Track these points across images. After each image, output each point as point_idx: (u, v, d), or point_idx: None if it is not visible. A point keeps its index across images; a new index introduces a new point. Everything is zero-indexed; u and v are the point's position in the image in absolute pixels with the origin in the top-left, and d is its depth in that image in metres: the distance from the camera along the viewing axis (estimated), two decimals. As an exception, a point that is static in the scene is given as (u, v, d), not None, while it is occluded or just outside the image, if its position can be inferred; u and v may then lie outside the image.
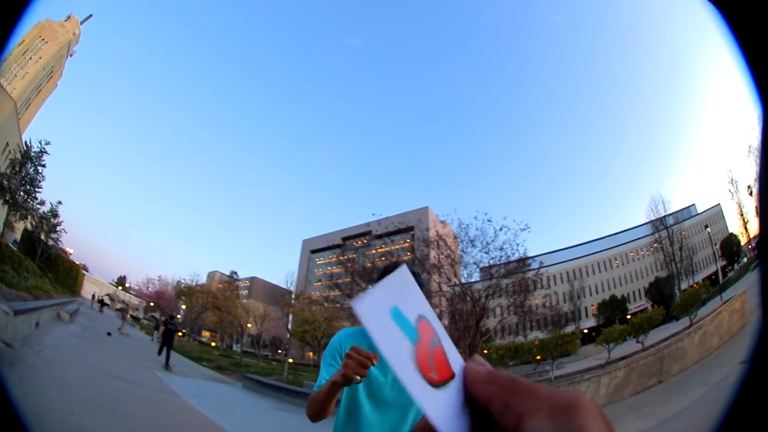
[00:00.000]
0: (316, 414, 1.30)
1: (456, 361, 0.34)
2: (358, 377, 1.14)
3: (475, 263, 16.78)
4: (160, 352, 12.21)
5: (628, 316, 28.77)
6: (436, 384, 0.31)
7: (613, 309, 39.27)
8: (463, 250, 17.26)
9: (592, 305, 44.02)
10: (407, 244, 41.18)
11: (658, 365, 8.74)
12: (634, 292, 45.73)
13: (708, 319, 11.15)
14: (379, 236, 43.48)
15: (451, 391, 0.32)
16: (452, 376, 0.33)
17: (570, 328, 29.52)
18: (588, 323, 39.74)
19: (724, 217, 46.16)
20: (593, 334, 28.18)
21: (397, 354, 0.31)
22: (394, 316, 0.32)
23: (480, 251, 16.59)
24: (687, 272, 41.84)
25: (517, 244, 16.50)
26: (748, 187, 36.69)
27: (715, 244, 38.66)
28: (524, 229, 16.51)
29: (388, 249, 40.64)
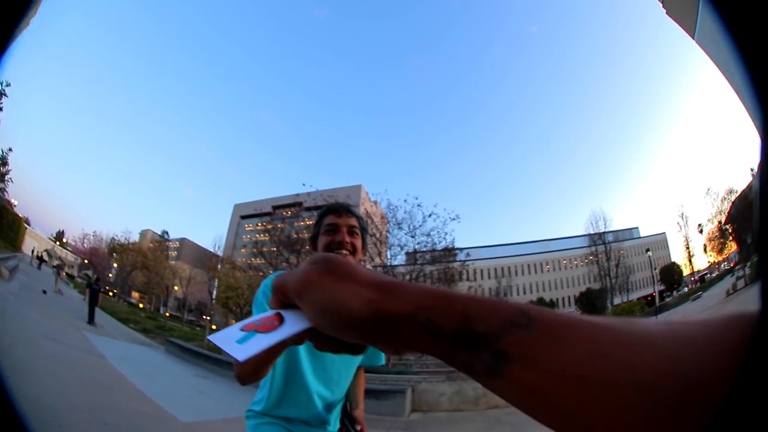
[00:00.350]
0: (251, 375, 1.02)
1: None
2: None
3: (400, 246, 16.61)
4: (90, 320, 13.07)
5: None
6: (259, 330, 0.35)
7: None
8: (389, 231, 17.09)
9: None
10: None
11: None
12: (563, 298, 48.32)
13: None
14: (309, 209, 42.89)
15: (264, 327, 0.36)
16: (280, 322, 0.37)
17: None
18: None
19: (667, 246, 49.72)
20: None
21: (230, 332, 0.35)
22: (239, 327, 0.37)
23: (406, 234, 16.40)
24: (621, 289, 44.45)
25: (446, 233, 16.51)
26: (699, 225, 39.69)
27: (655, 268, 40.63)
28: (454, 219, 16.55)
29: (314, 221, 40.21)
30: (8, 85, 19.87)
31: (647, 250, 40.40)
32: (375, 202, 18.25)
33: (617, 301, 42.58)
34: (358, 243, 1.36)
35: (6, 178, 22.37)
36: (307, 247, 1.97)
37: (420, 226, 16.37)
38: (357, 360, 1.44)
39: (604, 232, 46.62)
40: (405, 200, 16.77)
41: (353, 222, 1.36)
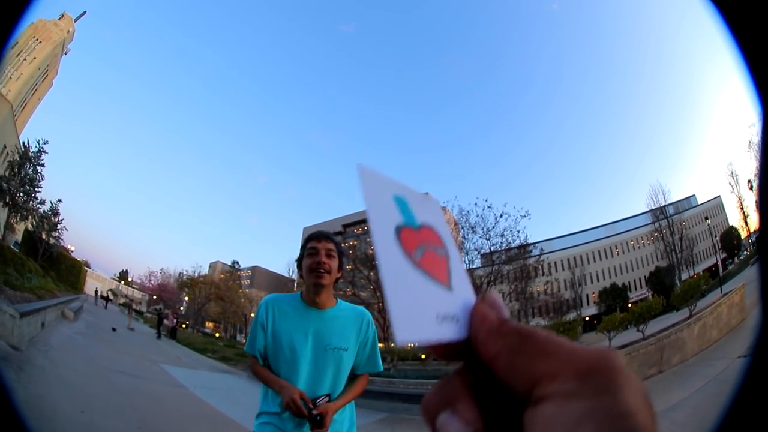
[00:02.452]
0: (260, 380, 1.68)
1: (461, 283, 0.30)
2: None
3: (476, 250, 16.92)
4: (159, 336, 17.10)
5: (629, 305, 28.88)
6: (419, 267, 0.28)
7: (614, 297, 39.33)
8: (464, 237, 17.31)
9: (593, 293, 44.13)
10: None
11: (658, 355, 8.80)
12: (634, 280, 45.64)
13: (707, 311, 11.15)
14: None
15: (439, 295, 0.27)
16: (446, 286, 0.29)
17: (571, 316, 29.60)
18: (589, 311, 39.87)
19: (724, 210, 46.24)
20: (594, 321, 28.32)
21: (383, 220, 0.28)
22: (396, 200, 0.30)
23: (481, 237, 16.73)
24: (687, 263, 41.83)
25: (518, 231, 16.62)
26: (749, 181, 36.83)
27: (715, 236, 38.58)
28: (524, 216, 16.71)
29: None
30: (46, 142, 20.70)
31: (706, 218, 38.37)
32: (444, 208, 17.99)
33: (684, 276, 39.44)
34: (335, 264, 1.65)
35: (59, 227, 23.45)
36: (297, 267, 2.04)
37: (493, 227, 16.46)
38: (348, 366, 1.66)
39: (665, 206, 43.98)
40: (475, 204, 17.39)
41: (330, 246, 1.66)
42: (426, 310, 0.26)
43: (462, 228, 17.45)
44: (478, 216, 16.88)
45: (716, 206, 46.90)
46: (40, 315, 8.36)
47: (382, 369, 1.76)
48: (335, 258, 1.62)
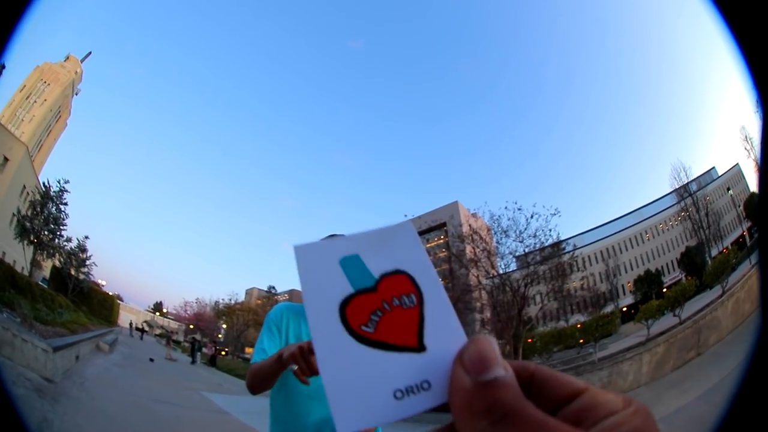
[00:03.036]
0: (259, 387, 1.33)
1: (441, 333, 0.26)
2: (294, 366, 1.14)
3: (510, 253, 16.85)
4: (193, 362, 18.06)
5: (664, 290, 28.05)
6: (370, 341, 0.24)
7: (648, 284, 38.42)
8: (498, 242, 17.46)
9: (629, 282, 43.24)
10: (442, 241, 41.21)
11: (695, 337, 8.53)
12: (667, 264, 44.71)
13: (739, 285, 10.92)
14: None
15: (400, 366, 0.24)
16: (415, 347, 0.25)
17: (609, 308, 28.97)
18: (626, 301, 38.99)
19: (744, 177, 44.65)
20: (632, 311, 27.72)
21: (320, 302, 0.25)
22: (343, 263, 0.27)
23: (514, 240, 16.66)
24: (715, 238, 40.74)
25: (550, 230, 16.56)
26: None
27: (739, 206, 37.54)
28: (554, 214, 16.71)
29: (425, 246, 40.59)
30: (67, 182, 21.13)
31: (728, 189, 37.48)
32: (475, 215, 18.25)
33: (714, 252, 38.34)
34: None
35: (88, 263, 23.89)
36: None
37: (525, 229, 16.44)
38: None
39: (687, 183, 42.98)
40: (505, 207, 17.19)
41: None
42: (377, 391, 0.23)
43: (495, 233, 17.62)
44: (509, 219, 16.95)
45: (736, 175, 45.56)
46: (73, 348, 8.54)
47: None
48: None
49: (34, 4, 0.62)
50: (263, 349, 1.38)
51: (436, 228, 39.66)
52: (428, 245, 42.02)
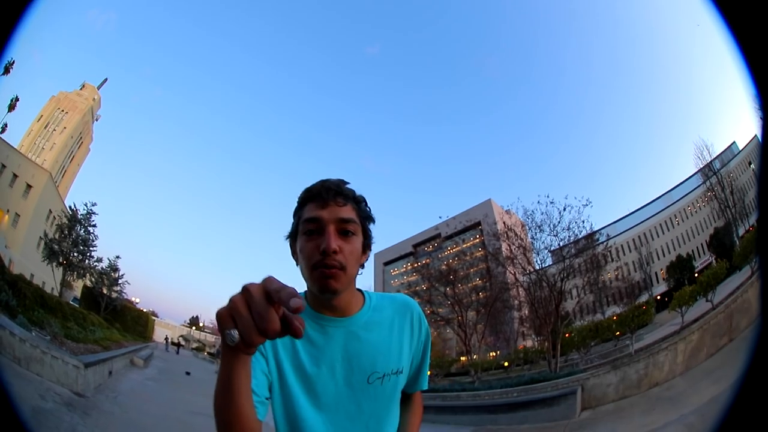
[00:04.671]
0: (221, 413, 0.71)
1: None
2: (234, 333, 0.54)
3: (546, 248, 16.76)
4: None
5: (696, 275, 27.16)
6: None
7: (681, 270, 37.39)
8: (532, 237, 17.25)
9: (662, 269, 42.20)
10: (478, 240, 40.96)
11: (727, 322, 8.23)
12: (697, 247, 43.89)
13: None
14: (449, 237, 43.68)
15: None
16: None
17: (644, 297, 28.29)
18: (660, 289, 38.03)
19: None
20: (666, 299, 27.01)
21: None
22: None
23: (549, 235, 16.52)
24: (741, 216, 39.24)
25: (583, 221, 16.45)
26: None
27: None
28: (586, 205, 16.43)
29: (459, 248, 40.81)
30: (94, 204, 21.71)
31: (750, 163, 36.39)
32: (508, 212, 18.26)
33: (741, 231, 36.87)
34: (355, 246, 0.90)
35: (120, 281, 24.65)
36: (291, 253, 0.99)
37: (558, 222, 16.36)
38: (398, 388, 0.99)
39: (711, 161, 41.57)
40: (538, 201, 17.79)
41: (347, 213, 0.90)
42: None
43: (529, 229, 17.47)
44: (542, 214, 16.72)
45: (755, 148, 43.88)
46: (106, 364, 8.70)
47: (427, 386, 1.14)
48: (357, 234, 0.91)
49: (34, 5, 0.62)
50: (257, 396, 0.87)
51: (471, 228, 39.35)
52: (465, 245, 41.77)
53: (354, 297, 0.97)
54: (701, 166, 42.07)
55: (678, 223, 47.52)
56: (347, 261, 0.86)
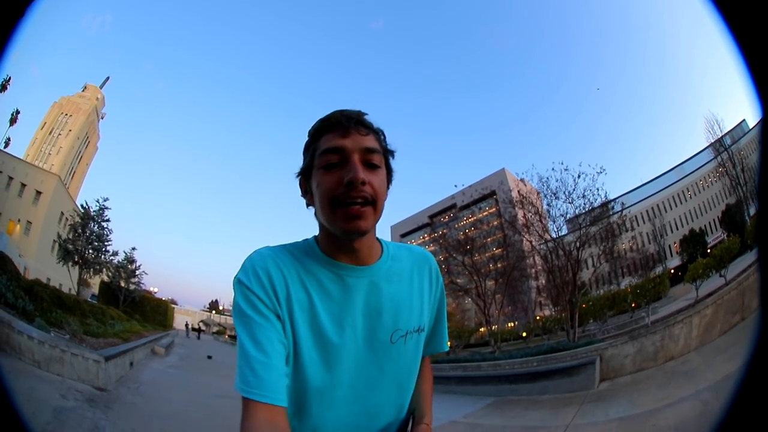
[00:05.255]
0: None
1: None
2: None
3: (561, 215, 16.63)
4: None
5: (708, 250, 26.98)
6: None
7: (694, 244, 37.17)
8: (548, 204, 17.21)
9: (675, 243, 42.01)
10: (494, 210, 41.05)
11: (740, 300, 8.19)
12: (710, 223, 43.86)
13: None
14: (465, 207, 43.71)
15: None
16: None
17: (658, 269, 28.28)
18: (674, 262, 37.85)
19: None
20: (679, 273, 26.88)
21: None
22: None
23: (564, 202, 16.44)
24: (752, 195, 38.71)
25: (597, 189, 16.34)
26: None
27: None
28: (600, 172, 16.32)
29: (476, 217, 40.96)
30: (106, 199, 21.79)
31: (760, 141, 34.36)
32: (523, 180, 18.17)
33: (752, 210, 36.26)
34: (382, 179, 0.79)
35: (137, 273, 24.96)
36: (302, 193, 0.86)
37: (573, 189, 16.29)
38: (420, 349, 0.90)
39: (722, 137, 40.68)
40: (552, 169, 16.98)
41: (371, 142, 0.78)
42: None
43: (545, 196, 17.38)
44: (557, 181, 16.69)
45: (757, 126, 42.84)
46: (127, 356, 8.80)
47: (448, 348, 1.02)
48: (381, 167, 0.79)
49: (34, 6, 0.61)
50: (259, 360, 0.69)
51: (487, 197, 39.27)
52: (481, 215, 41.84)
53: (375, 243, 0.86)
54: (712, 141, 41.47)
55: (690, 197, 47.23)
56: (377, 194, 0.75)
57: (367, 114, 0.82)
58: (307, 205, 0.83)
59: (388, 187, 0.83)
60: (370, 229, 0.76)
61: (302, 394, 0.77)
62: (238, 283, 0.75)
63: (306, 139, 0.83)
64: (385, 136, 0.84)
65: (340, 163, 0.75)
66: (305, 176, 0.82)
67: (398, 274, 0.87)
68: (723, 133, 41.51)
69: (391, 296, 0.84)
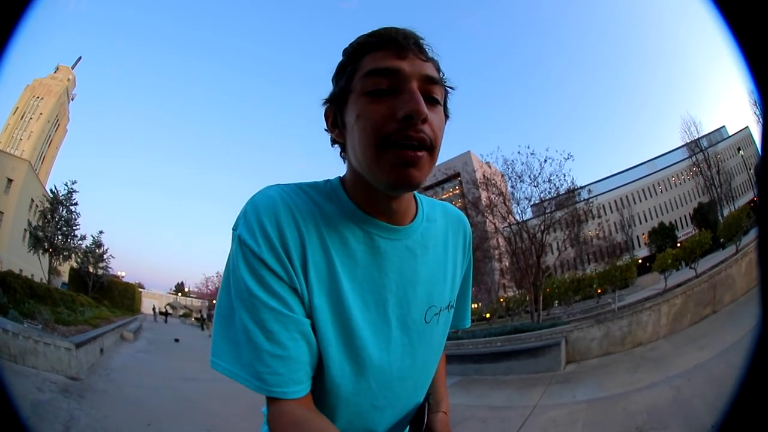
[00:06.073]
0: None
1: None
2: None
3: (526, 198, 16.65)
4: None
5: (678, 244, 28.03)
6: None
7: (663, 237, 38.55)
8: (512, 186, 17.14)
9: (643, 234, 43.55)
10: (458, 191, 41.40)
11: (711, 293, 8.51)
12: (680, 218, 45.17)
13: (752, 246, 10.71)
14: (429, 187, 44.24)
15: None
16: None
17: (625, 258, 29.44)
18: (641, 252, 39.26)
19: (754, 141, 44.40)
20: (647, 264, 27.78)
21: None
22: None
23: (529, 185, 16.42)
24: (727, 198, 40.44)
25: (564, 174, 16.35)
26: None
27: (750, 169, 36.73)
28: (568, 159, 16.30)
29: (439, 197, 41.21)
30: (74, 182, 21.04)
31: (739, 149, 37.27)
32: (488, 163, 18.14)
33: (726, 212, 38.03)
34: (441, 120, 0.61)
35: (105, 257, 24.40)
36: (327, 126, 0.66)
37: (539, 173, 16.23)
38: (448, 328, 0.76)
39: (698, 139, 42.33)
40: (518, 152, 16.95)
41: (432, 71, 0.60)
42: None
43: (509, 178, 17.33)
44: (522, 164, 16.62)
45: (746, 138, 44.68)
46: (97, 342, 8.67)
47: (469, 324, 0.91)
48: (440, 105, 0.63)
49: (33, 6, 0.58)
50: (274, 357, 0.56)
51: (452, 178, 39.85)
52: (444, 196, 42.25)
53: (411, 198, 0.70)
54: (688, 141, 42.91)
55: (661, 192, 48.26)
56: (436, 138, 0.58)
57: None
58: (333, 142, 0.66)
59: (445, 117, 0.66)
60: (423, 182, 0.58)
61: (320, 391, 0.62)
62: (240, 243, 0.57)
63: (341, 59, 0.63)
64: (438, 61, 0.65)
65: (391, 91, 0.57)
66: (337, 105, 0.63)
67: (433, 238, 0.72)
68: (700, 135, 42.71)
69: (426, 265, 0.69)
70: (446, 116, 0.65)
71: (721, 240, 18.55)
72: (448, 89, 0.65)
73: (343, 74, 0.62)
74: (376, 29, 0.61)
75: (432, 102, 0.59)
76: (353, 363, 0.62)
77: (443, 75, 0.64)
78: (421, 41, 0.61)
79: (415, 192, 0.72)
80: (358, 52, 0.60)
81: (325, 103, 0.66)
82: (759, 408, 0.32)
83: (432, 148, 0.58)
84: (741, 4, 0.35)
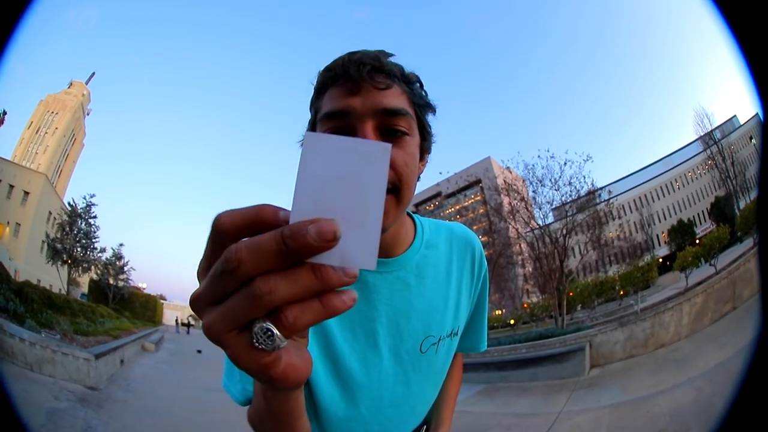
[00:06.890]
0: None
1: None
2: (271, 329, 0.27)
3: (548, 203, 16.56)
4: None
5: (697, 241, 27.43)
6: None
7: (682, 234, 37.71)
8: (534, 191, 17.06)
9: (663, 232, 42.70)
10: (479, 198, 41.25)
11: (731, 289, 8.32)
12: (698, 214, 44.49)
13: None
14: (451, 195, 44.18)
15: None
16: None
17: (646, 258, 28.89)
18: (662, 251, 38.45)
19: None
20: (668, 263, 27.24)
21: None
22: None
23: (550, 189, 16.36)
24: (743, 189, 39.25)
25: (584, 176, 16.29)
26: None
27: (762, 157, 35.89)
28: (587, 160, 16.26)
29: (462, 205, 41.21)
30: (93, 196, 21.56)
31: (751, 138, 36.88)
32: (509, 168, 18.11)
33: (742, 204, 37.01)
34: (409, 151, 0.57)
35: (125, 269, 24.66)
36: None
37: (560, 177, 16.21)
38: (451, 355, 0.74)
39: (711, 131, 41.33)
40: (538, 156, 17.77)
41: (392, 99, 0.55)
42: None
43: (530, 183, 17.24)
44: (543, 168, 16.62)
45: (757, 124, 43.63)
46: (117, 353, 8.76)
47: (486, 347, 0.87)
48: (410, 133, 0.59)
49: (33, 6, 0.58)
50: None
51: (473, 184, 39.46)
52: (466, 203, 42.08)
53: (404, 226, 0.67)
54: (701, 134, 42.05)
55: (679, 188, 47.66)
56: (401, 177, 0.55)
57: (392, 55, 0.59)
58: None
59: (424, 157, 0.63)
60: (390, 226, 0.57)
61: (313, 419, 0.64)
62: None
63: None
64: (420, 84, 0.62)
65: (347, 130, 0.55)
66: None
67: (433, 266, 0.70)
68: (713, 127, 41.94)
69: (422, 295, 0.68)
70: (423, 139, 0.62)
71: (738, 234, 18.10)
72: (425, 110, 0.62)
73: (312, 110, 0.62)
74: (333, 60, 0.58)
75: (393, 134, 0.56)
76: (342, 391, 0.64)
77: (418, 93, 0.61)
78: (383, 62, 0.57)
79: (416, 216, 0.74)
80: (319, 90, 0.60)
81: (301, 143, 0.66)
82: (759, 408, 0.32)
83: (397, 189, 0.55)
84: (741, 4, 0.35)
